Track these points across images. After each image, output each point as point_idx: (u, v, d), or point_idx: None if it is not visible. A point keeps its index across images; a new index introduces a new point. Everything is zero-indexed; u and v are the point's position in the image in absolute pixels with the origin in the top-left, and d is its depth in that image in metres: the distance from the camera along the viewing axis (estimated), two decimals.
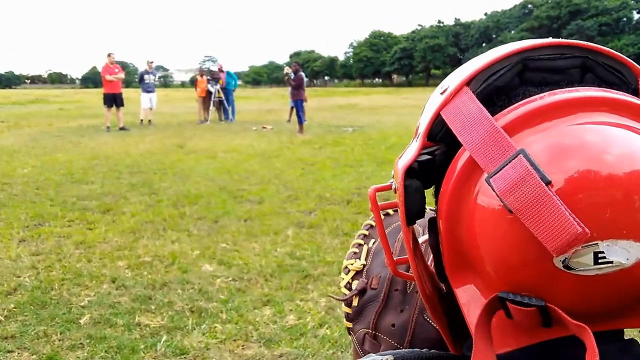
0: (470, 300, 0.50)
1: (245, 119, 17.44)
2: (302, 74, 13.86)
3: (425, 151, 0.53)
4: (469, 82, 0.49)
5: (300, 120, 13.22)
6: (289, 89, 14.18)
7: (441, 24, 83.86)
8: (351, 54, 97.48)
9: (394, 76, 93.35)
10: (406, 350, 0.54)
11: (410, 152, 0.53)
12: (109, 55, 14.41)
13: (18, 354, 2.81)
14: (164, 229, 5.05)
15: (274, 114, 19.47)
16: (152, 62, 16.44)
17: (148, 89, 15.71)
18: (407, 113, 19.74)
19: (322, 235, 4.86)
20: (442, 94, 0.51)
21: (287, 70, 13.88)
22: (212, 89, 16.71)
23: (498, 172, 0.42)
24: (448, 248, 0.50)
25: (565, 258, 0.42)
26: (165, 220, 5.32)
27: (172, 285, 3.73)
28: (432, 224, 0.54)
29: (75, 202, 6.05)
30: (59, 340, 2.95)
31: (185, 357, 2.82)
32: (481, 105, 0.47)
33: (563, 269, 0.43)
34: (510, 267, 0.45)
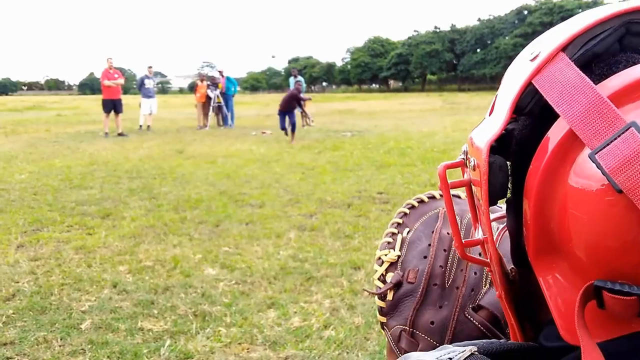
0: (558, 289, 0.45)
1: (244, 124, 17.40)
2: (296, 85, 13.46)
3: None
4: (564, 48, 0.44)
5: (293, 128, 12.87)
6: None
7: (437, 30, 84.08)
8: (348, 59, 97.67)
9: (391, 82, 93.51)
10: (485, 341, 0.49)
11: (493, 126, 0.47)
12: (108, 60, 14.30)
13: None
14: (165, 234, 4.98)
15: (273, 120, 19.36)
16: (151, 67, 16.37)
17: (148, 94, 15.62)
18: (404, 117, 19.73)
19: (324, 238, 4.80)
20: (532, 60, 0.46)
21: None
22: (211, 94, 16.65)
23: (605, 147, 0.38)
24: (535, 231, 0.45)
25: None
26: (166, 225, 5.26)
27: (174, 289, 3.66)
28: (511, 205, 0.49)
29: (74, 207, 5.97)
30: (60, 346, 2.88)
31: None
32: (581, 73, 0.42)
33: None
34: (607, 253, 0.40)
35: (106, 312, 3.29)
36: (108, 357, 2.76)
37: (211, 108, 16.83)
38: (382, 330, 0.82)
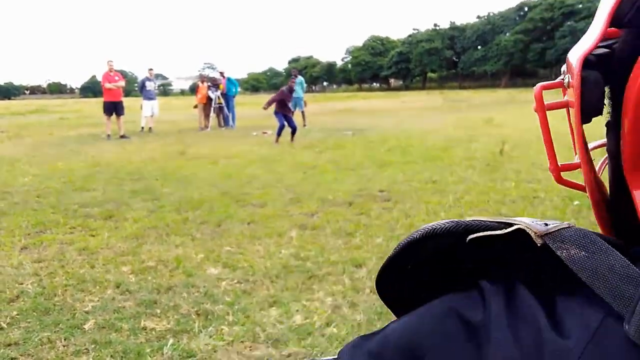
0: None
1: (245, 124, 17.41)
2: (289, 83, 12.93)
3: (602, 44, 0.44)
4: None
5: (293, 131, 12.55)
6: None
7: (437, 28, 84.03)
8: (349, 59, 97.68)
9: (392, 80, 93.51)
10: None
11: (587, 41, 0.44)
12: (108, 62, 14.35)
13: None
14: (167, 234, 5.00)
15: (275, 120, 19.43)
16: (152, 70, 16.44)
17: (149, 97, 15.68)
18: (405, 116, 19.74)
19: (326, 236, 4.81)
20: None
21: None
22: (212, 95, 16.67)
23: None
24: (631, 146, 0.42)
25: None
26: (169, 226, 5.27)
27: (177, 289, 3.68)
28: (611, 126, 0.46)
29: (77, 209, 5.99)
30: (64, 346, 2.90)
31: None
32: None
33: None
34: None
35: (109, 312, 3.30)
36: (111, 356, 2.78)
37: (212, 109, 16.85)
38: None
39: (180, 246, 4.63)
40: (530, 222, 0.43)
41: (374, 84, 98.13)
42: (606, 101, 0.46)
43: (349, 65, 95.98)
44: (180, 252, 4.45)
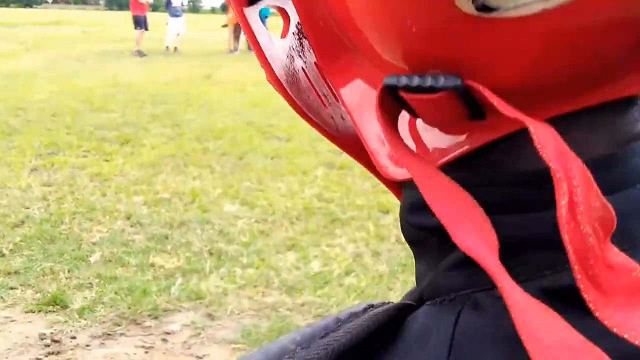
0: (361, 99, 0.34)
1: None
2: None
3: None
4: None
5: None
6: None
7: None
8: None
9: None
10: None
11: None
12: None
13: (21, 291, 2.80)
14: (185, 164, 4.97)
15: None
16: None
17: (175, 13, 15.43)
18: None
19: (353, 177, 4.72)
20: None
21: None
22: None
23: None
24: (313, 34, 0.34)
25: None
26: (187, 155, 5.25)
27: (190, 224, 3.67)
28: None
29: (93, 131, 6.00)
30: (66, 278, 2.93)
31: (200, 302, 2.76)
32: None
33: (478, 13, 0.24)
34: (400, 35, 0.27)
35: (117, 245, 3.32)
36: (115, 292, 2.79)
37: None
38: None
39: (197, 178, 4.61)
40: None
41: None
42: None
43: None
44: (198, 185, 4.43)
